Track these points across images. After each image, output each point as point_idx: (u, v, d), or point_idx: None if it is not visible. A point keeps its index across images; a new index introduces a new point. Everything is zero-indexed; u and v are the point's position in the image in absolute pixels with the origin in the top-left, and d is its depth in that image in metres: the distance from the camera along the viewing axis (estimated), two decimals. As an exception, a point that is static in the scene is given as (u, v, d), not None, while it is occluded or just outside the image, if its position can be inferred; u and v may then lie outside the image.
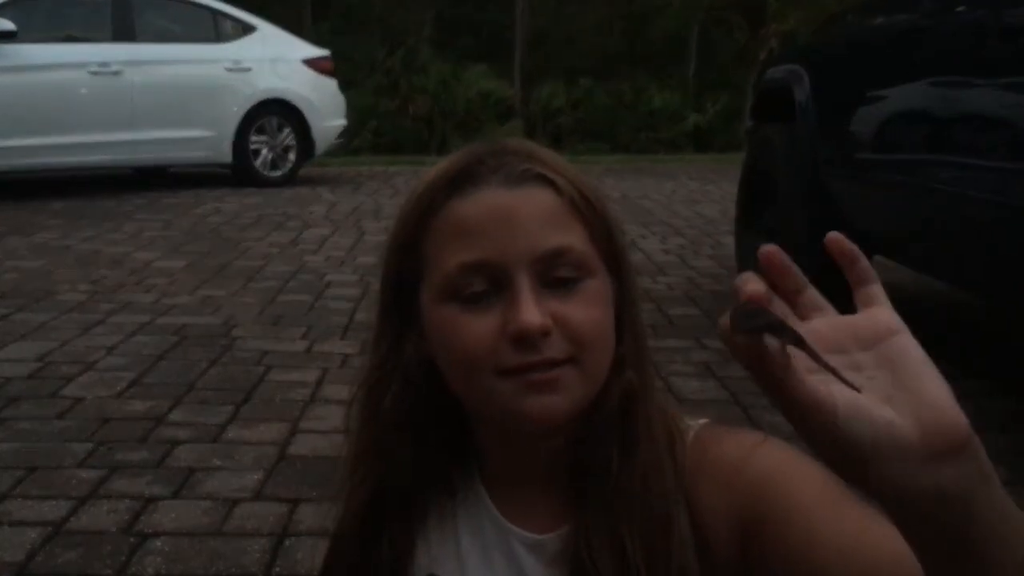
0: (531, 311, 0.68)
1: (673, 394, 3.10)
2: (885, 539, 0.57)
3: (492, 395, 0.71)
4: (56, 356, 3.48)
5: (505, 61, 14.48)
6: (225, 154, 8.38)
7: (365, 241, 5.97)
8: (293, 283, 4.80)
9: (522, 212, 0.70)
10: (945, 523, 0.47)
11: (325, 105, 8.83)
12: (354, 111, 10.25)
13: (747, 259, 4.48)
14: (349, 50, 12.70)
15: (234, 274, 4.97)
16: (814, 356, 0.47)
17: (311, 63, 8.79)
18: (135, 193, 8.01)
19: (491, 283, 0.70)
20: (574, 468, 0.75)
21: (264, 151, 8.61)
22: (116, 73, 7.72)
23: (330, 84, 8.95)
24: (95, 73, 7.64)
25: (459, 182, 0.72)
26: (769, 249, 0.51)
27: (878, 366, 0.48)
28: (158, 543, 2.14)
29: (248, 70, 8.39)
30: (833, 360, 0.47)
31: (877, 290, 0.50)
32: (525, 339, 0.68)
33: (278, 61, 8.56)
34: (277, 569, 2.04)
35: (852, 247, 0.51)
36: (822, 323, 0.50)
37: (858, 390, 0.46)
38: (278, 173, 8.69)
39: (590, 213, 0.73)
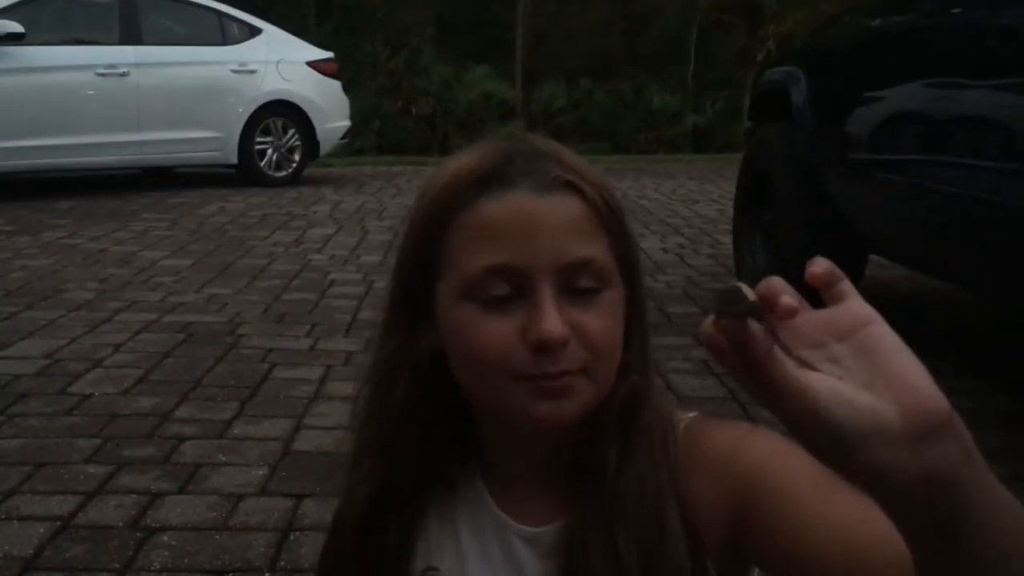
0: (553, 321, 0.68)
1: (672, 391, 3.13)
2: (875, 523, 0.57)
3: (504, 396, 0.71)
4: (64, 353, 3.53)
5: (506, 62, 14.51)
6: (231, 155, 8.43)
7: (368, 240, 5.98)
8: (297, 282, 4.84)
9: (550, 220, 0.70)
10: (933, 508, 0.47)
11: (329, 106, 8.88)
12: (357, 112, 10.29)
13: (745, 258, 4.51)
14: (352, 51, 12.75)
15: (239, 273, 5.01)
16: (786, 348, 0.48)
17: (315, 65, 8.85)
18: (141, 193, 8.05)
19: (513, 287, 0.70)
20: (573, 465, 0.76)
21: (269, 152, 8.65)
22: (123, 75, 7.77)
23: (334, 86, 9.00)
24: (102, 75, 7.70)
25: (489, 182, 0.71)
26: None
27: (855, 356, 0.48)
28: (164, 538, 2.17)
29: (253, 72, 8.45)
30: (812, 355, 0.48)
31: (846, 286, 0.51)
32: (545, 348, 0.69)
33: (283, 63, 8.61)
34: (282, 563, 2.07)
35: (833, 272, 0.51)
36: (797, 318, 0.50)
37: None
38: (283, 173, 8.74)
39: (613, 223, 0.73)
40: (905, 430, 0.46)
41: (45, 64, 7.45)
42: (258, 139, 8.53)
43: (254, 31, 8.69)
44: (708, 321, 0.49)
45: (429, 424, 0.78)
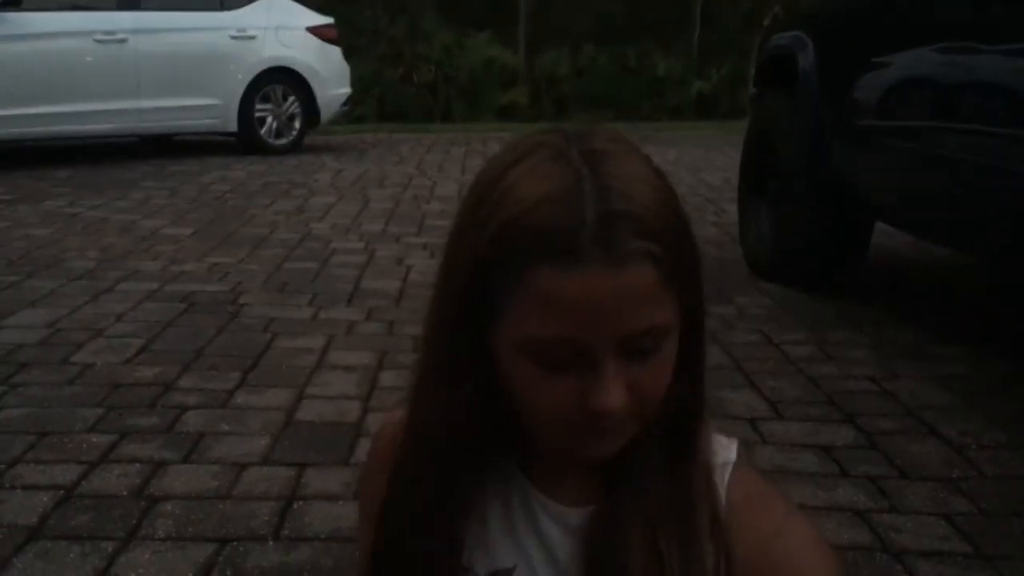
0: (615, 395, 0.68)
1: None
2: None
3: (551, 434, 0.73)
4: (65, 323, 3.52)
5: (509, 28, 14.39)
6: (230, 122, 8.37)
7: (370, 208, 5.97)
8: (299, 250, 4.82)
9: (620, 296, 0.67)
10: None
11: (330, 73, 8.81)
12: (358, 79, 10.22)
13: (750, 226, 4.49)
14: (353, 17, 12.64)
15: (240, 242, 5.00)
16: None
17: (315, 31, 8.76)
18: (141, 161, 8.02)
19: (575, 355, 0.68)
20: (613, 458, 0.75)
21: (269, 119, 8.60)
22: (121, 41, 7.70)
23: (334, 52, 8.92)
24: (100, 41, 7.63)
25: (557, 252, 0.66)
26: None
27: None
28: (168, 506, 2.18)
29: (253, 38, 8.37)
30: None
31: None
32: (604, 417, 0.69)
33: (282, 29, 8.53)
34: (285, 532, 2.08)
35: None
36: None
37: None
38: (283, 141, 8.69)
39: (684, 278, 0.70)
40: None
41: (42, 30, 7.38)
42: (258, 106, 8.47)
43: (253, -4, 8.60)
44: None
45: (483, 427, 0.77)
